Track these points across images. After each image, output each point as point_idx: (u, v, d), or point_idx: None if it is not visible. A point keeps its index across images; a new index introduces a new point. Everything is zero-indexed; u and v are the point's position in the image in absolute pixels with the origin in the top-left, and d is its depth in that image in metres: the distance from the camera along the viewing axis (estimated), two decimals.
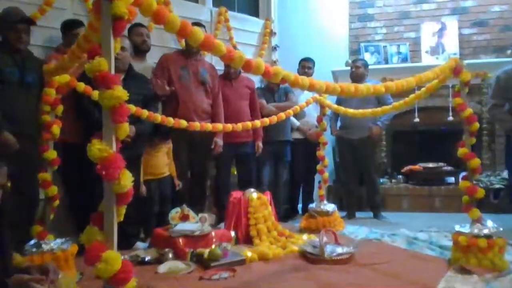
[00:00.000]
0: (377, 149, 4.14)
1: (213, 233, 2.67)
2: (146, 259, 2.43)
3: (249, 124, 3.09)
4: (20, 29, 2.40)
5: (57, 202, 2.14)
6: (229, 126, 2.97)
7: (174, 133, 3.09)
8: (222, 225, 3.14)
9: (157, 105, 3.08)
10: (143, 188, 2.96)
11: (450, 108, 4.46)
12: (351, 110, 3.33)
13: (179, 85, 3.23)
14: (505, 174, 4.42)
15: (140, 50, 3.23)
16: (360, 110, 3.22)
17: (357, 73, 3.95)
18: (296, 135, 4.06)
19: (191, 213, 2.79)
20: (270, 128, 3.44)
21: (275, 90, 3.95)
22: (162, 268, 2.28)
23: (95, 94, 2.17)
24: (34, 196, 2.41)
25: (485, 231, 2.18)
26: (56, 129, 2.09)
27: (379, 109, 3.11)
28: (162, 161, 3.14)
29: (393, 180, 4.76)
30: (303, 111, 3.76)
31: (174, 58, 3.33)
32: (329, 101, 3.53)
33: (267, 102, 3.87)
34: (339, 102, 3.87)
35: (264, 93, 3.91)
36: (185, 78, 3.24)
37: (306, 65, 4.12)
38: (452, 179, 4.59)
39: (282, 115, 3.23)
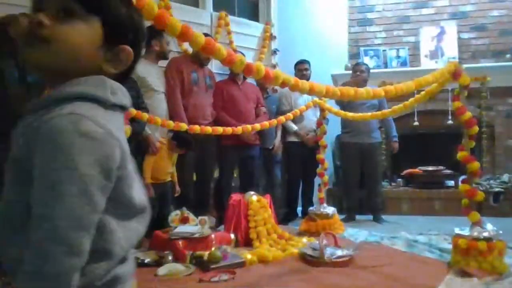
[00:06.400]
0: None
1: (212, 236, 2.67)
2: (146, 261, 2.42)
3: (249, 127, 3.09)
4: None
5: None
6: (229, 129, 2.97)
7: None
8: (222, 227, 3.14)
9: (146, 106, 3.00)
10: (151, 190, 2.85)
11: (450, 112, 4.47)
12: (350, 114, 3.34)
13: (190, 88, 3.27)
14: (504, 177, 4.43)
15: None
16: (360, 114, 3.23)
17: (363, 78, 3.92)
18: (292, 138, 4.06)
19: (191, 216, 2.79)
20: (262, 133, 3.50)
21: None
22: (162, 270, 2.28)
23: None
24: None
25: (485, 234, 2.19)
26: None
27: (379, 112, 3.13)
28: (166, 168, 3.08)
29: (393, 183, 4.76)
30: (301, 115, 3.75)
31: (185, 61, 3.35)
32: (329, 105, 3.54)
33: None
34: (342, 107, 3.87)
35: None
36: (195, 82, 3.29)
37: (302, 68, 4.08)
38: (451, 182, 4.58)
39: (282, 118, 3.24)
